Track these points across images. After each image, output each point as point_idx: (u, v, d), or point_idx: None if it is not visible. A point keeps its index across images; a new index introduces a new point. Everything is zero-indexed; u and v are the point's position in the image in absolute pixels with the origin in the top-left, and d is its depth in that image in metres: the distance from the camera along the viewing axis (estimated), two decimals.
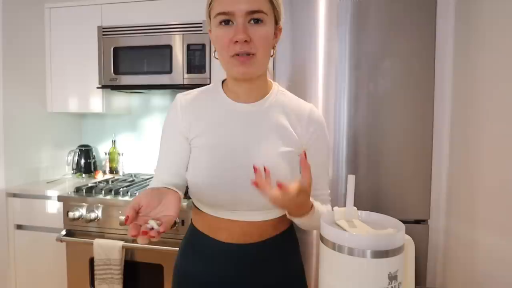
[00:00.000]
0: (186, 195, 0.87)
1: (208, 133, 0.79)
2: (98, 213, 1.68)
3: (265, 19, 0.70)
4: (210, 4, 0.73)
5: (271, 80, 0.84)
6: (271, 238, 0.82)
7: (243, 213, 0.78)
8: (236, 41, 0.68)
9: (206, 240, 0.83)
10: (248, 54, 0.70)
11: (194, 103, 0.82)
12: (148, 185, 1.88)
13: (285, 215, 0.80)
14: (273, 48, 0.77)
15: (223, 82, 0.84)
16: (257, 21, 0.70)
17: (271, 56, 0.77)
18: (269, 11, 0.71)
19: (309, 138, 0.81)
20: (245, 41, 0.68)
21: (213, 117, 0.79)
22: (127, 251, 1.63)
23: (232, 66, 0.72)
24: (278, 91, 0.83)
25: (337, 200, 1.44)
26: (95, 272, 1.61)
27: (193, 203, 0.88)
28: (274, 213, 0.81)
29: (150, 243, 1.76)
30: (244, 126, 0.78)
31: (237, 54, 0.70)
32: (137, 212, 0.60)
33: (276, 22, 0.75)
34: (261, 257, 0.81)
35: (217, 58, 0.77)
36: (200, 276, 0.83)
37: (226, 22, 0.70)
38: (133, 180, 2.05)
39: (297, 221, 0.76)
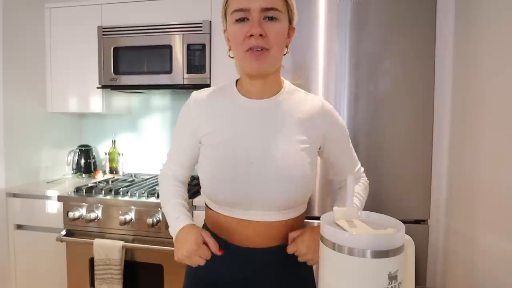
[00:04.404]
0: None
1: (222, 130, 0.79)
2: (98, 213, 1.68)
3: (280, 17, 0.72)
4: (226, 2, 0.75)
5: (283, 78, 0.85)
6: (283, 245, 0.80)
7: (258, 213, 0.77)
8: (251, 35, 0.70)
9: (218, 242, 0.82)
10: (263, 49, 0.72)
11: (208, 100, 0.83)
12: (148, 185, 1.88)
13: (298, 218, 0.83)
14: (286, 47, 0.79)
15: (237, 81, 0.85)
16: (271, 18, 0.72)
17: (284, 54, 0.79)
18: (283, 9, 0.73)
19: (326, 130, 0.82)
20: (260, 35, 0.70)
21: (227, 115, 0.80)
22: (127, 251, 1.63)
23: (246, 61, 0.73)
24: (290, 87, 0.84)
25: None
26: (95, 272, 1.61)
27: (205, 203, 0.87)
28: (289, 214, 0.80)
29: (150, 242, 1.73)
30: (258, 122, 0.78)
31: (251, 49, 0.71)
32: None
33: (290, 21, 0.77)
34: (272, 262, 0.81)
35: (231, 57, 0.79)
36: (210, 277, 0.82)
37: (242, 19, 0.72)
38: (133, 180, 2.05)
39: None
